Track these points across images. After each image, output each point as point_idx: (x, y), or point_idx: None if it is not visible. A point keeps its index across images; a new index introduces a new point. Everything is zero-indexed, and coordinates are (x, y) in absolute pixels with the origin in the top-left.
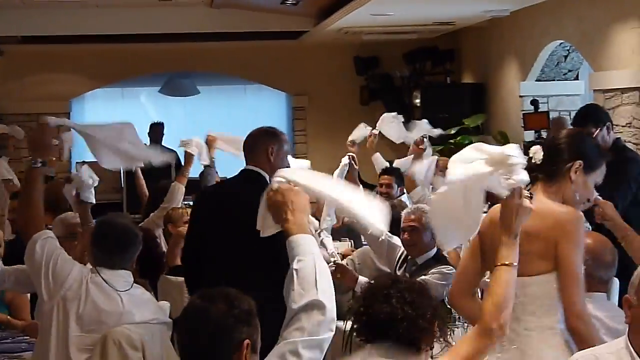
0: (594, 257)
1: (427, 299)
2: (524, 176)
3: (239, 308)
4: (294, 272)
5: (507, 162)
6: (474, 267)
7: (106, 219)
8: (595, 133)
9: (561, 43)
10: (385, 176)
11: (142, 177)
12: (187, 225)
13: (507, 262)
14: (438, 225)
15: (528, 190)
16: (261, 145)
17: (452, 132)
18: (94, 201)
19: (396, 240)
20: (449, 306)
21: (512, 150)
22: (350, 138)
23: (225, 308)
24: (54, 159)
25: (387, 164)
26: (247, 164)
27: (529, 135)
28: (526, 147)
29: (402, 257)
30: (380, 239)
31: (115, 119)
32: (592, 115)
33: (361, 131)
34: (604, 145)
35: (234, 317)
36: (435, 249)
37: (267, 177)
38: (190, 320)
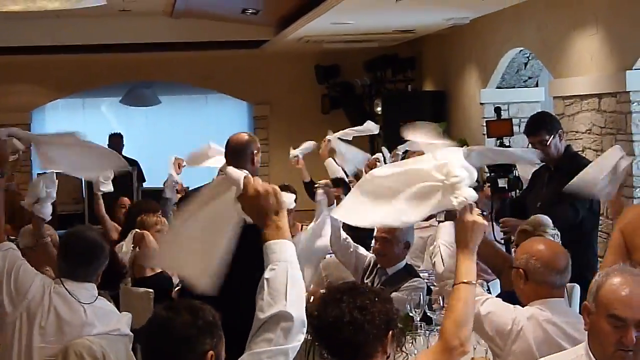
0: (545, 263)
1: (382, 306)
2: (470, 193)
3: (203, 319)
4: (265, 281)
5: (450, 182)
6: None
7: (74, 232)
8: (549, 140)
9: (521, 50)
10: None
11: (102, 202)
12: (159, 233)
13: (466, 280)
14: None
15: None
16: (247, 149)
17: None
18: (47, 216)
19: (362, 250)
20: (411, 315)
21: (457, 169)
22: (293, 153)
23: (190, 319)
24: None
25: (340, 170)
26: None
27: (491, 143)
28: None
29: (370, 266)
30: (350, 250)
31: (76, 130)
32: (545, 123)
33: (305, 145)
34: (557, 152)
35: (197, 328)
36: (405, 260)
37: None
38: (155, 330)
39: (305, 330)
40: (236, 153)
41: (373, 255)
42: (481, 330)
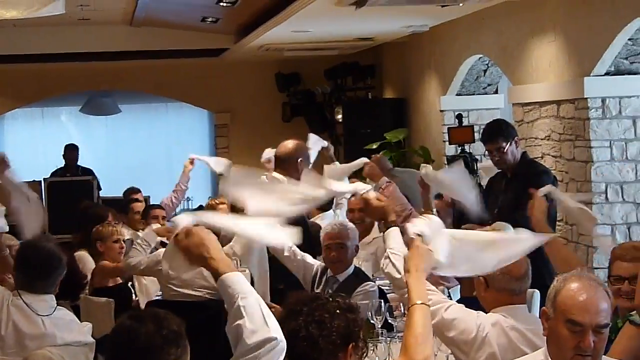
0: (504, 270)
1: (342, 319)
2: (421, 224)
3: (168, 329)
4: (242, 309)
5: None
6: None
7: (31, 243)
8: (506, 147)
9: (480, 57)
10: None
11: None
12: (116, 243)
13: (419, 302)
14: None
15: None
16: (292, 157)
17: (374, 147)
18: (3, 229)
19: (310, 259)
20: (372, 322)
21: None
22: (265, 156)
23: (154, 328)
24: None
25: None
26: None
27: (451, 150)
28: (448, 162)
29: (319, 275)
30: (298, 257)
31: (35, 139)
32: (501, 130)
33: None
34: (514, 159)
35: (162, 337)
36: (353, 265)
37: None
38: (119, 340)
39: (284, 352)
40: (282, 162)
41: (320, 263)
42: (445, 337)
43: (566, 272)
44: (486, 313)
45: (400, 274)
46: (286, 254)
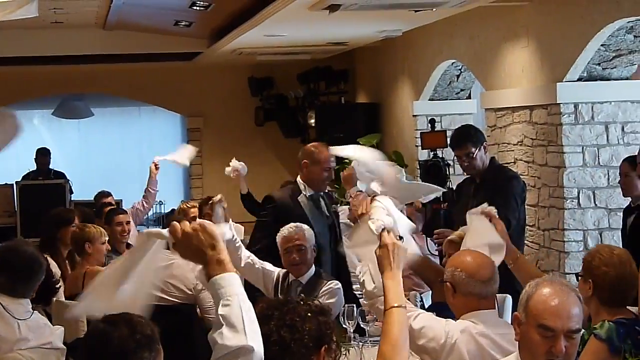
0: (469, 274)
1: (314, 322)
2: (386, 218)
3: (141, 333)
4: (221, 318)
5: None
6: None
7: (11, 246)
8: (475, 153)
9: (453, 62)
10: None
11: None
12: (103, 245)
13: (396, 305)
14: None
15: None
16: (299, 158)
17: None
18: None
19: (269, 266)
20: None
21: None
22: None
23: (127, 332)
24: None
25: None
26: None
27: (424, 154)
28: (421, 166)
29: (280, 281)
30: (257, 266)
31: None
32: (470, 135)
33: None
34: (483, 164)
35: (135, 342)
36: (313, 266)
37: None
38: (92, 343)
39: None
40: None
41: (279, 270)
42: (414, 345)
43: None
44: (456, 319)
45: (374, 285)
46: (243, 265)
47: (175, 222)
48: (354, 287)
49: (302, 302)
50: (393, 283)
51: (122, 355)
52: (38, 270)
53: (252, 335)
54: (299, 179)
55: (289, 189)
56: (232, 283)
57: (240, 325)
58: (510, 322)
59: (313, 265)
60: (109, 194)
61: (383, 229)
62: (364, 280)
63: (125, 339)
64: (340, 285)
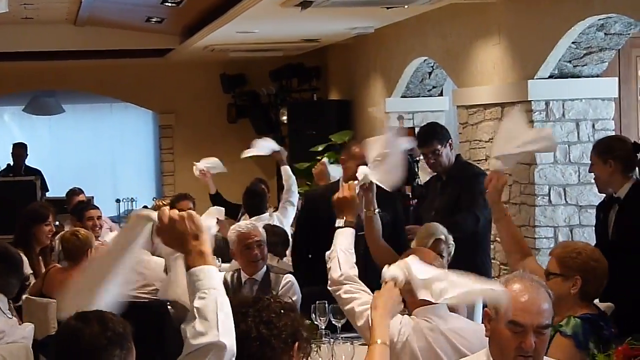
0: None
1: (288, 318)
2: (400, 274)
3: (113, 330)
4: (195, 310)
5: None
6: None
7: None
8: (441, 150)
9: (425, 60)
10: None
11: None
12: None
13: (379, 341)
14: None
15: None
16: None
17: (319, 148)
18: None
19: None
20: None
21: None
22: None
23: (99, 329)
24: None
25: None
26: None
27: None
28: None
29: (234, 284)
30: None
31: None
32: (436, 133)
33: (211, 161)
34: (449, 161)
35: (107, 339)
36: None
37: None
38: (63, 340)
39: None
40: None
41: (225, 272)
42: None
43: (513, 251)
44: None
45: (339, 272)
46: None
47: (164, 207)
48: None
49: (272, 300)
50: (381, 320)
51: (93, 352)
52: (20, 268)
53: (225, 331)
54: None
55: (328, 185)
56: (211, 276)
57: (214, 320)
58: (481, 319)
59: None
60: (80, 191)
61: (392, 279)
62: (330, 266)
63: (96, 336)
64: (293, 278)
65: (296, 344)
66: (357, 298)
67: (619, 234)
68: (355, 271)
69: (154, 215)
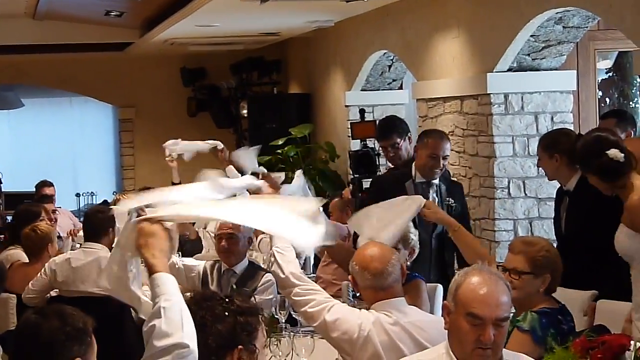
0: (361, 267)
1: (230, 323)
2: None
3: (72, 325)
4: (162, 310)
5: None
6: None
7: None
8: (401, 143)
9: (385, 53)
10: None
11: None
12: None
13: None
14: None
15: None
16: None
17: (280, 142)
18: None
19: (191, 261)
20: (276, 317)
21: None
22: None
23: (58, 325)
24: None
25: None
26: None
27: (356, 145)
28: (352, 157)
29: (209, 273)
30: (177, 266)
31: None
32: (395, 127)
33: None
34: (407, 155)
35: (65, 334)
36: (247, 257)
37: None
38: (22, 335)
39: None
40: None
41: (206, 262)
42: (329, 338)
43: (473, 258)
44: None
45: (284, 274)
46: None
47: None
48: None
49: (226, 299)
50: None
51: (51, 346)
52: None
53: (188, 335)
54: (414, 163)
55: (399, 172)
56: (171, 284)
57: (179, 321)
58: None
59: (246, 257)
60: (50, 184)
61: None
62: (274, 270)
63: (54, 330)
64: (273, 278)
65: (237, 347)
66: (311, 299)
67: (570, 227)
68: (295, 266)
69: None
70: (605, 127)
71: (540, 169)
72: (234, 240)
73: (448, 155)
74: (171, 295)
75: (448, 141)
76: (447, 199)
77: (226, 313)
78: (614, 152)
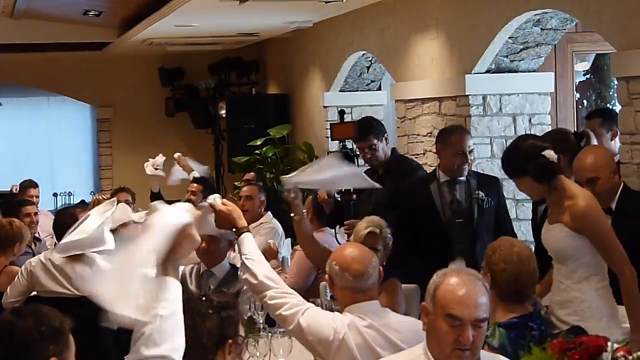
0: (342, 268)
1: (216, 320)
2: None
3: (47, 325)
4: (158, 318)
5: None
6: None
7: None
8: (377, 144)
9: (364, 54)
10: (194, 184)
11: None
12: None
13: None
14: None
15: None
16: None
17: (258, 142)
18: None
19: None
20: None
21: None
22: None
23: (33, 323)
24: None
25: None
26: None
27: (334, 145)
28: None
29: (187, 275)
30: None
31: None
32: (372, 127)
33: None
34: (385, 155)
35: (40, 333)
36: (227, 259)
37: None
38: None
39: None
40: None
41: (183, 266)
42: (304, 341)
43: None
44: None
45: (257, 279)
46: None
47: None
48: None
49: (205, 299)
50: None
51: (25, 346)
52: None
53: (175, 348)
54: (437, 165)
55: (423, 177)
56: (175, 290)
57: (169, 334)
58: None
59: (227, 259)
60: (36, 185)
61: None
62: (245, 278)
63: (29, 330)
64: None
65: (227, 342)
66: (284, 303)
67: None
68: (268, 268)
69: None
70: (590, 126)
71: None
72: (213, 241)
73: (473, 149)
74: (172, 303)
75: (470, 136)
76: (477, 192)
77: (210, 311)
78: (549, 153)
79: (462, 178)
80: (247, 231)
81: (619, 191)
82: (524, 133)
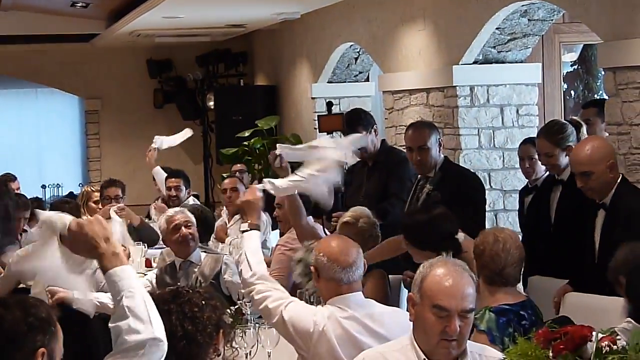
0: (330, 259)
1: (210, 309)
2: None
3: (35, 316)
4: (126, 309)
5: None
6: None
7: None
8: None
9: (351, 45)
10: (173, 179)
11: None
12: None
13: None
14: None
15: None
16: None
17: (246, 134)
18: None
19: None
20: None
21: None
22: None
23: (20, 315)
24: None
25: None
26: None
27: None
28: None
29: (169, 271)
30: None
31: None
32: (361, 119)
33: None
34: (374, 147)
35: (28, 324)
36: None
37: None
38: None
39: (165, 347)
40: None
41: (150, 272)
42: (286, 334)
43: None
44: (323, 304)
45: (250, 271)
46: None
47: (72, 218)
48: None
49: (191, 291)
50: None
51: (13, 337)
52: None
53: (157, 327)
54: None
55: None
56: (130, 275)
57: (146, 316)
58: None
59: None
60: (14, 178)
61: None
62: (241, 269)
63: (17, 321)
64: (230, 256)
65: (220, 331)
66: (269, 296)
67: (562, 215)
68: (264, 268)
69: (62, 222)
70: (586, 115)
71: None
72: (192, 227)
73: (427, 147)
74: (133, 290)
75: (430, 130)
76: (427, 186)
77: (203, 302)
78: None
79: (430, 174)
80: (257, 229)
81: (616, 186)
82: (513, 123)
